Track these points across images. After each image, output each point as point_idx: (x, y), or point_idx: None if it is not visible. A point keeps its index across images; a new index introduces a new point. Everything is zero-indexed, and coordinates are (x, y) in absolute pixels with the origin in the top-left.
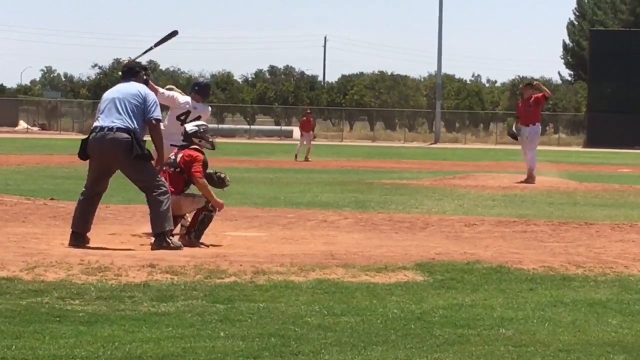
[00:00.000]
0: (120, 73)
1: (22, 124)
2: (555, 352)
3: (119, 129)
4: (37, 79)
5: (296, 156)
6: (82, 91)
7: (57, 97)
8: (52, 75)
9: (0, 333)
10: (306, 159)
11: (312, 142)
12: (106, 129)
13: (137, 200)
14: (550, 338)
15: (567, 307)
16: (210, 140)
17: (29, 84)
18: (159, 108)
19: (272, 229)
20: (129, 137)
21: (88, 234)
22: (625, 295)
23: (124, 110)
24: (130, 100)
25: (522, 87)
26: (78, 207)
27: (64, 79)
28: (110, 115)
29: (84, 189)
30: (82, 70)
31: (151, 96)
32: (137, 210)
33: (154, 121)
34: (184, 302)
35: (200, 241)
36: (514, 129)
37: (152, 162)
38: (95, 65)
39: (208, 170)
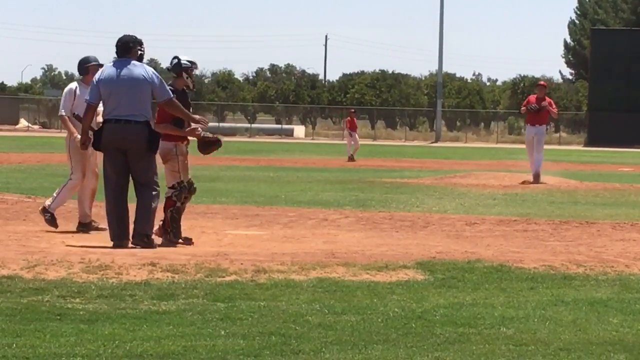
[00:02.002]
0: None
1: (23, 122)
2: (556, 351)
3: (137, 122)
4: (38, 77)
5: (352, 156)
6: None
7: (57, 96)
8: (52, 74)
9: (1, 331)
10: (352, 159)
11: (351, 142)
12: (123, 121)
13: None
14: (551, 337)
15: (568, 306)
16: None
17: (30, 82)
18: (165, 85)
19: (273, 227)
20: (148, 129)
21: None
22: (626, 294)
23: (137, 99)
24: (139, 87)
25: (538, 86)
26: (112, 214)
27: (64, 78)
28: (125, 105)
29: (109, 191)
30: None
31: (156, 77)
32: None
33: (172, 100)
34: (184, 300)
35: (183, 237)
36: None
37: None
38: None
39: (206, 135)
